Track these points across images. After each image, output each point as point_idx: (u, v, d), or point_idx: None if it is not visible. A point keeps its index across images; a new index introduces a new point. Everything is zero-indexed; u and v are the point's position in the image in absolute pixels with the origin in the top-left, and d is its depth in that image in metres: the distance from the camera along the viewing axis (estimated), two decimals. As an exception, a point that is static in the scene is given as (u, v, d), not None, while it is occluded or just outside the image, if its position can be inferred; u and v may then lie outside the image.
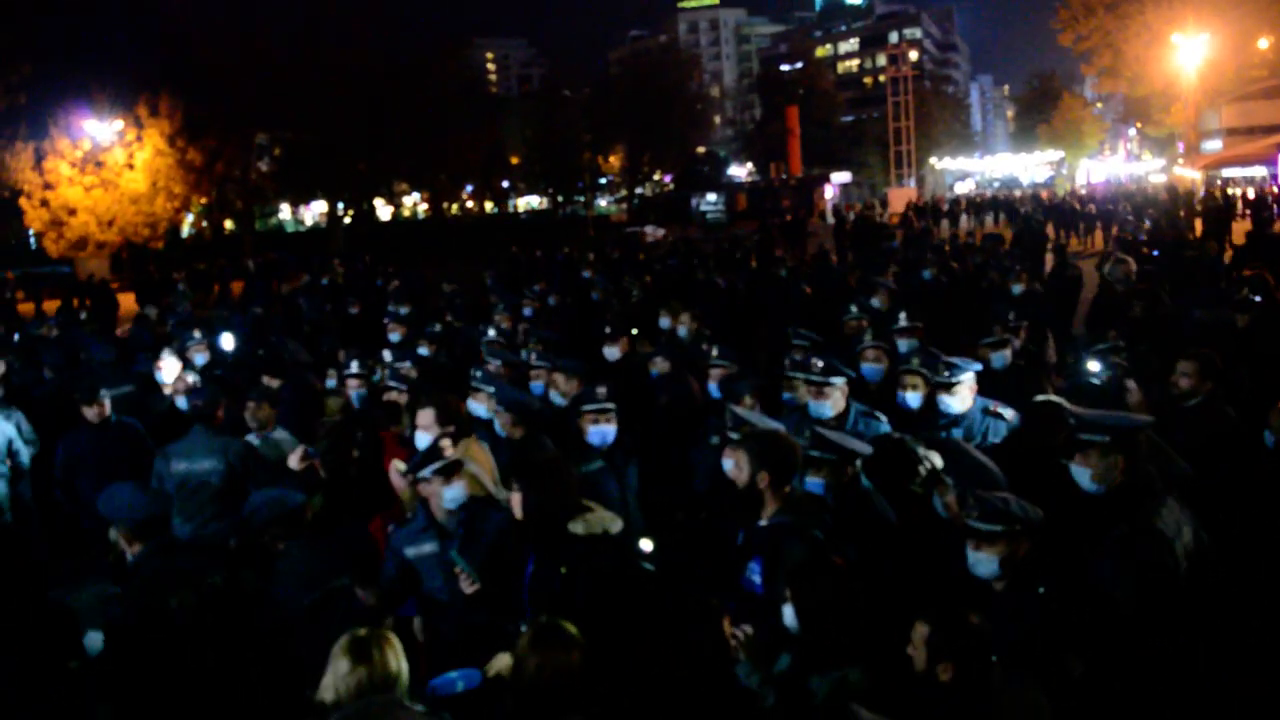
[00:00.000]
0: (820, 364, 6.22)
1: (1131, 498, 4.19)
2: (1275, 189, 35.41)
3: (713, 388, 7.21)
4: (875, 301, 10.81)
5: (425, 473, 4.76)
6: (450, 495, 4.75)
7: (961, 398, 6.12)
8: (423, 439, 5.70)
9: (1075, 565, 4.05)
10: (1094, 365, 7.14)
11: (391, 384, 7.68)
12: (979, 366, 6.37)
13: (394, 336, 10.90)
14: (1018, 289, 11.29)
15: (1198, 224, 27.96)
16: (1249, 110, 46.63)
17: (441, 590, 4.71)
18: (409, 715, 2.80)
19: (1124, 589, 3.90)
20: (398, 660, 3.51)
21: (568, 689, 3.34)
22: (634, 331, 9.52)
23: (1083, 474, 4.31)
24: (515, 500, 4.55)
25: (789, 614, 3.70)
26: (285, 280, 27.60)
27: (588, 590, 4.25)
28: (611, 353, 8.94)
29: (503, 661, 3.85)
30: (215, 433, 6.82)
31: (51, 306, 26.26)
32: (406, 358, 8.73)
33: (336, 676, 3.44)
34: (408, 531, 4.87)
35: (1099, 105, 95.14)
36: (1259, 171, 39.36)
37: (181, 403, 8.21)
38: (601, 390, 6.03)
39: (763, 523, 4.47)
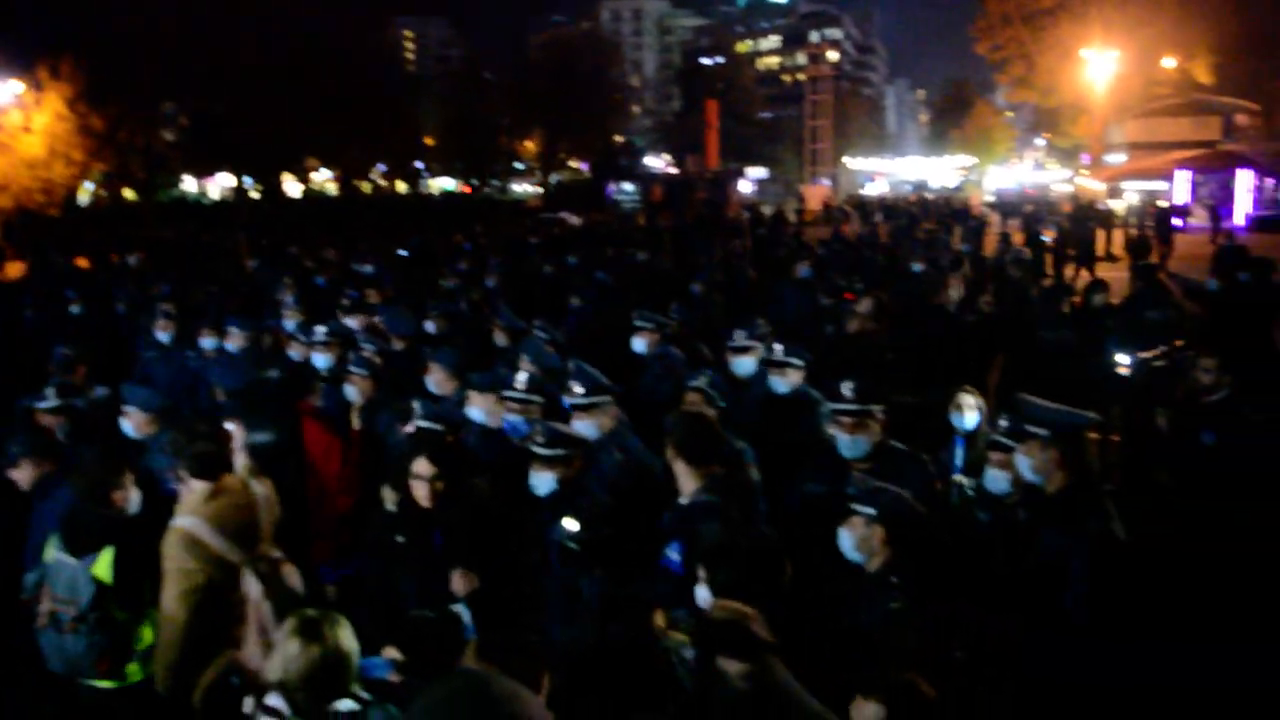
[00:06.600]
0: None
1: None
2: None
3: None
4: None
5: None
6: None
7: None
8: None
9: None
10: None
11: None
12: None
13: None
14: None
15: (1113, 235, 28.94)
16: (1152, 126, 47.82)
17: None
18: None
19: None
20: (349, 639, 3.41)
21: None
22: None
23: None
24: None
25: (702, 594, 3.62)
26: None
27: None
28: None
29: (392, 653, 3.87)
30: None
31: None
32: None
33: (287, 657, 3.32)
34: None
35: (1010, 114, 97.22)
36: (1159, 185, 40.48)
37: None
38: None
39: (683, 501, 4.38)
